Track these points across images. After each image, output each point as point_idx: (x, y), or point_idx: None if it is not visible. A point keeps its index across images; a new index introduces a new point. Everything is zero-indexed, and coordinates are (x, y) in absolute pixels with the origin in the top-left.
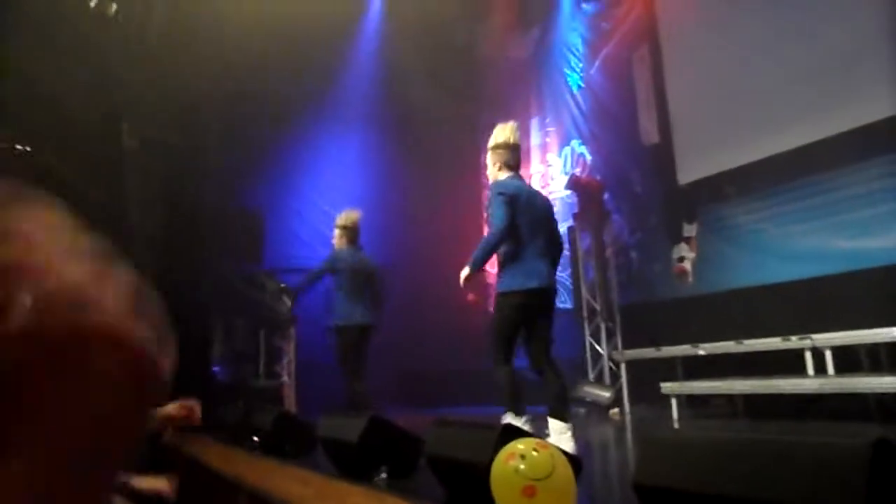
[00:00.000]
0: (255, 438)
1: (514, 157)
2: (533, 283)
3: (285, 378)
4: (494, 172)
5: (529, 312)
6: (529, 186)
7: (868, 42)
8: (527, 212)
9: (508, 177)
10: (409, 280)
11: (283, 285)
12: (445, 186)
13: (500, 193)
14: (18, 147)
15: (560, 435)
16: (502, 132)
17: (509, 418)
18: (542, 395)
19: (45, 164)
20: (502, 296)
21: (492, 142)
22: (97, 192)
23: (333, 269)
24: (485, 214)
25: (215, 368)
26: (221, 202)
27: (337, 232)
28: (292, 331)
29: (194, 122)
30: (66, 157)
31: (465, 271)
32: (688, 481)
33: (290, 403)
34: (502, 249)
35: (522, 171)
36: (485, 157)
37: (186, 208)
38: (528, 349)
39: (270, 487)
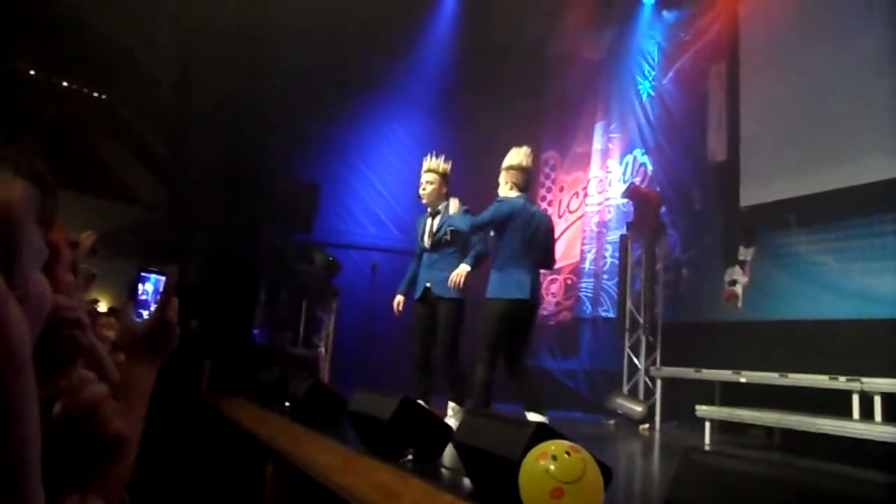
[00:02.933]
0: (287, 404)
1: (525, 179)
2: (516, 295)
3: (322, 349)
4: (505, 190)
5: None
6: (530, 207)
7: None
8: (521, 230)
9: (516, 196)
10: None
11: (330, 258)
12: None
13: (498, 201)
14: (95, 94)
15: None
16: (516, 155)
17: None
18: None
19: (116, 112)
20: (489, 301)
21: (506, 163)
22: (162, 145)
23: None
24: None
25: (255, 331)
26: (281, 170)
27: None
28: (334, 304)
29: (262, 87)
30: (136, 109)
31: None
32: None
33: (325, 375)
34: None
35: (580, 174)
36: (545, 155)
37: (247, 171)
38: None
39: (299, 454)
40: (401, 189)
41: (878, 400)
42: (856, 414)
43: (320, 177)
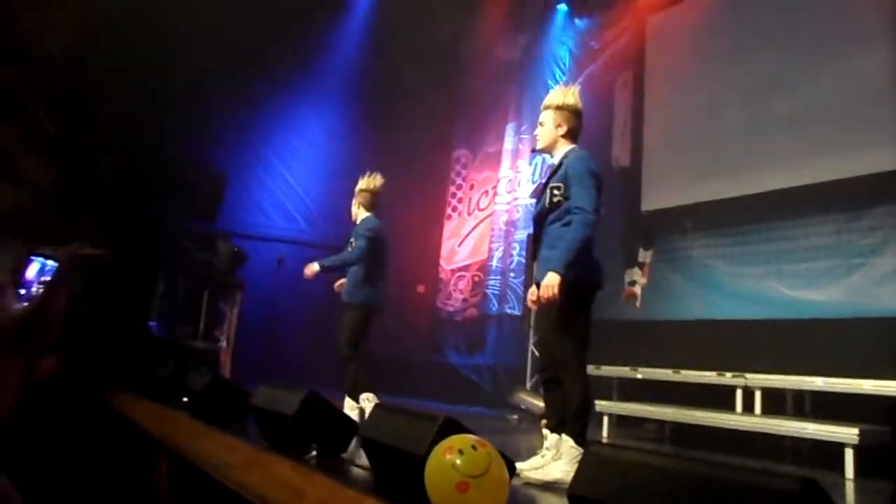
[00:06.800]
0: (185, 399)
1: (580, 126)
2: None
3: (223, 343)
4: (555, 136)
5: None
6: None
7: (843, 103)
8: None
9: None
10: None
11: (236, 249)
12: (415, 176)
13: (594, 175)
14: None
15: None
16: (572, 94)
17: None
18: None
19: (9, 94)
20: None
21: (560, 99)
22: (57, 125)
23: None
24: (447, 210)
25: (151, 323)
26: (186, 157)
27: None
28: (238, 296)
29: (164, 70)
30: (25, 84)
31: (556, 278)
32: (623, 498)
33: (226, 369)
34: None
35: (491, 173)
36: (456, 153)
37: (145, 157)
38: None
39: (196, 451)
40: (311, 182)
41: (758, 394)
42: (739, 407)
43: (229, 166)
